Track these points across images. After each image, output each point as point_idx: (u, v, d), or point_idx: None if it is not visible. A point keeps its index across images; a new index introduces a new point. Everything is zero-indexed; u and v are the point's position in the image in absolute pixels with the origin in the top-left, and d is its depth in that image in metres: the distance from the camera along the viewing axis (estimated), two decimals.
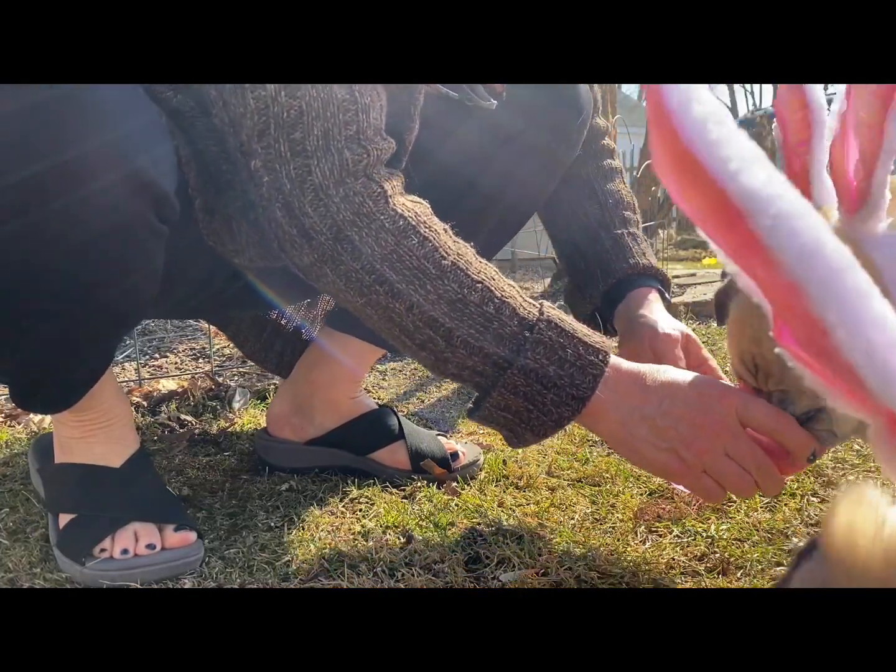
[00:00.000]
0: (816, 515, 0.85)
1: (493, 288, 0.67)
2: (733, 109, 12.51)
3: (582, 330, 0.68)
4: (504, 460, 1.02)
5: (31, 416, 1.18)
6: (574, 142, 0.95)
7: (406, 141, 0.74)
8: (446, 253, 0.66)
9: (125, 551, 0.74)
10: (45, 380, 0.76)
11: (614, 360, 0.68)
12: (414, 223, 0.66)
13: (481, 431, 1.18)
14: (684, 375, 0.67)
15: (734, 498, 0.89)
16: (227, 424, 1.20)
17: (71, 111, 0.58)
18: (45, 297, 0.66)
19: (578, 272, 1.01)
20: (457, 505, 0.89)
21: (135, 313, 0.76)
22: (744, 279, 0.28)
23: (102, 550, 0.74)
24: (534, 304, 0.69)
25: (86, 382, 0.77)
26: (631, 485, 0.95)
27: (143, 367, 1.50)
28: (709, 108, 0.26)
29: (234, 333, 1.12)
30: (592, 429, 0.69)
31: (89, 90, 0.58)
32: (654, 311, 0.91)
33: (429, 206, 0.70)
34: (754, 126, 6.97)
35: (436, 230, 0.67)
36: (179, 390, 1.31)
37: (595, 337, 0.68)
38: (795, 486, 0.92)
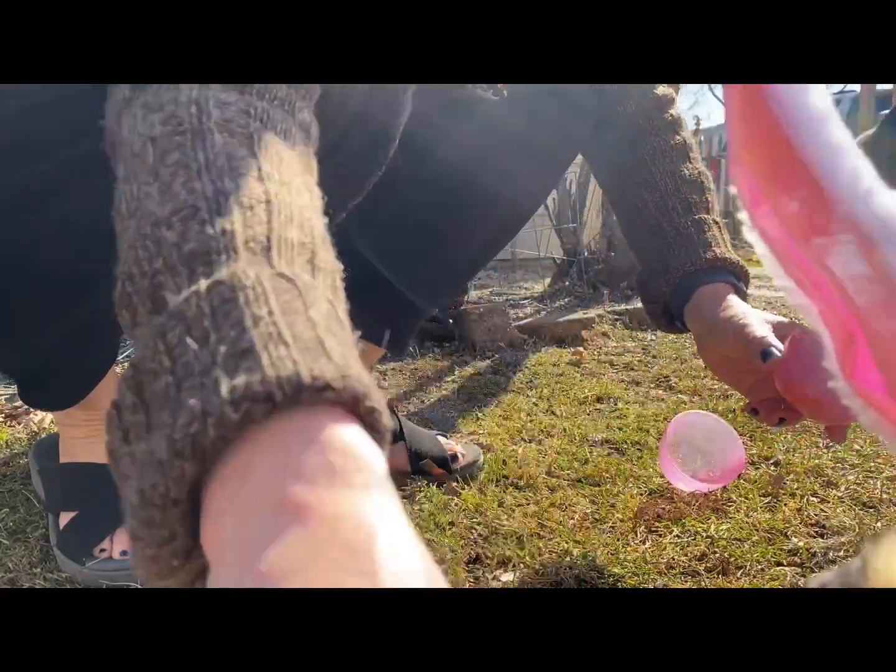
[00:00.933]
0: (816, 515, 0.85)
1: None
2: None
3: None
4: (504, 460, 1.02)
5: (31, 415, 1.18)
6: (577, 141, 0.93)
7: (396, 124, 0.68)
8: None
9: (125, 552, 0.74)
10: (53, 375, 0.76)
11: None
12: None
13: (481, 432, 1.18)
14: None
15: (734, 498, 0.89)
16: None
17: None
18: (42, 290, 0.66)
19: (644, 267, 0.88)
20: (457, 505, 0.89)
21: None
22: (814, 313, 0.26)
23: (102, 551, 0.74)
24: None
25: (94, 375, 0.78)
26: (631, 485, 0.95)
27: None
28: (830, 112, 0.23)
29: None
30: None
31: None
32: (733, 308, 0.75)
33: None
34: None
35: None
36: None
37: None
38: (795, 486, 0.92)
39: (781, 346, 0.68)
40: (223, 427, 0.26)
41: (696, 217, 0.84)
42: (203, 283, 0.30)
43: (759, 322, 0.71)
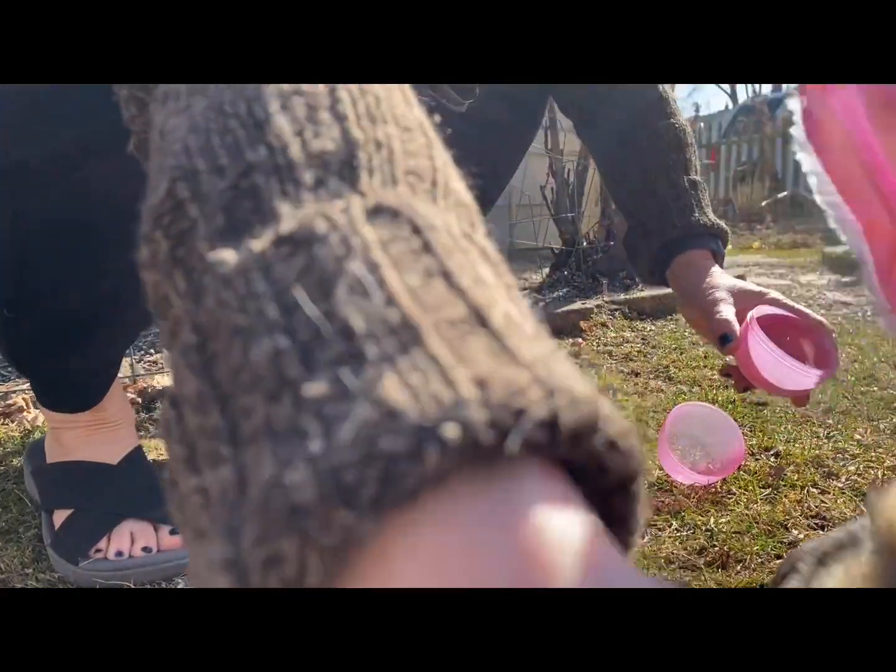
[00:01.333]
0: (817, 507, 0.84)
1: None
2: (733, 96, 12.47)
3: None
4: None
5: (25, 413, 1.17)
6: (539, 120, 0.97)
7: None
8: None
9: (119, 553, 0.73)
10: (71, 376, 0.76)
11: None
12: None
13: None
14: None
15: (734, 490, 0.89)
16: None
17: None
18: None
19: (629, 230, 0.89)
20: None
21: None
22: (858, 230, 0.25)
23: (97, 551, 0.73)
24: None
25: (111, 375, 0.78)
26: None
27: (137, 362, 1.49)
28: None
29: None
30: None
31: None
32: (706, 280, 0.77)
33: None
34: (754, 112, 6.96)
35: None
36: None
37: None
38: (796, 478, 0.91)
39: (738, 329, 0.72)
40: (473, 450, 0.14)
41: (673, 181, 0.84)
42: (357, 200, 0.19)
43: (726, 299, 0.75)
